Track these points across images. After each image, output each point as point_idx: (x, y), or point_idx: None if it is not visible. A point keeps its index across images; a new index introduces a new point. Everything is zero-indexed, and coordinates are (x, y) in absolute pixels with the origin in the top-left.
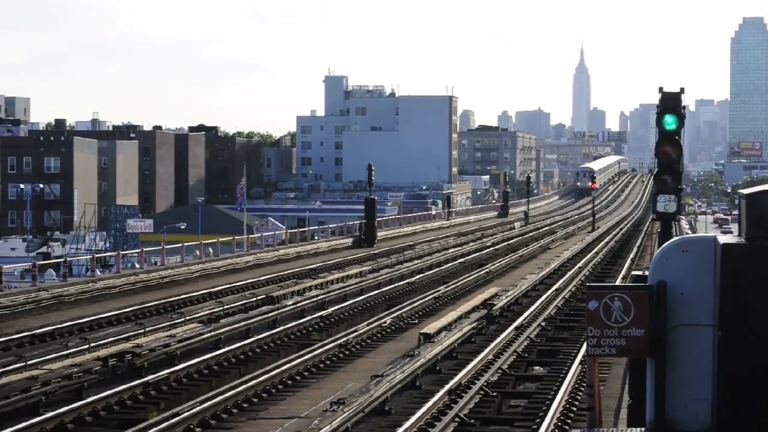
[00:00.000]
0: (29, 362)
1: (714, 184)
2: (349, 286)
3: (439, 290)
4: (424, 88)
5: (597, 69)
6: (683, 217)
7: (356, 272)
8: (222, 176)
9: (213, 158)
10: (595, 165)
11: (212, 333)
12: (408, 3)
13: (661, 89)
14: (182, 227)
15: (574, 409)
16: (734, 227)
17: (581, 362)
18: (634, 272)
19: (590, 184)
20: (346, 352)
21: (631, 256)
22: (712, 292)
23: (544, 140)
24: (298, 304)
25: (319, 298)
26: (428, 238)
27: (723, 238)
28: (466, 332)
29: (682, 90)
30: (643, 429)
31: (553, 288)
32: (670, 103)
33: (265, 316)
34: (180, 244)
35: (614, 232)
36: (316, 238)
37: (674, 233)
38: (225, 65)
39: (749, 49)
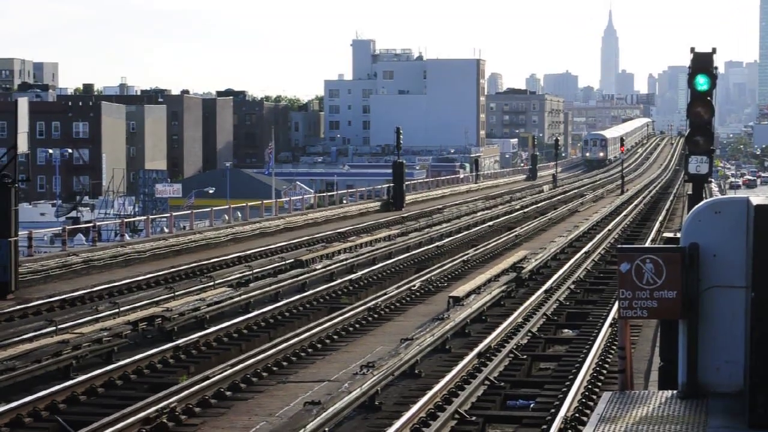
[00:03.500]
0: (60, 326)
1: (743, 146)
2: (378, 249)
3: (468, 253)
4: (451, 51)
5: (625, 31)
6: (713, 180)
7: (385, 236)
8: (250, 140)
9: (241, 123)
10: (619, 129)
11: (242, 297)
12: None
13: (692, 50)
14: (211, 192)
15: (605, 371)
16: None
17: (611, 325)
18: (665, 234)
19: (600, 153)
20: (376, 316)
21: (660, 218)
22: (744, 253)
23: (573, 103)
24: (327, 268)
25: (348, 261)
26: (456, 202)
27: (756, 199)
28: (496, 295)
29: (714, 50)
30: (675, 391)
31: (583, 251)
32: (702, 63)
33: (295, 279)
34: (209, 209)
35: (643, 195)
36: (344, 201)
37: (704, 196)
38: (253, 30)
39: None
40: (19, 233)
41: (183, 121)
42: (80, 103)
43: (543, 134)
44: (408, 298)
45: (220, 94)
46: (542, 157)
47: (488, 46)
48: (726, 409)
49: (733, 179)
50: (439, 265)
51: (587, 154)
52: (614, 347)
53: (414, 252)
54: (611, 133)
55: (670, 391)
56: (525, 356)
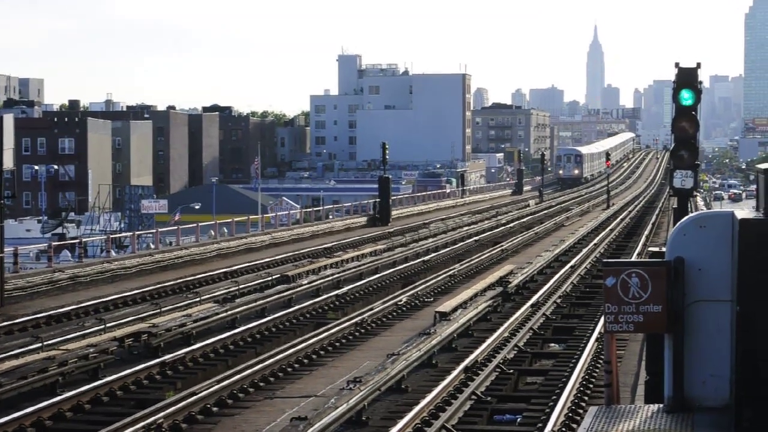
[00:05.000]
0: (46, 343)
1: (729, 160)
2: (364, 264)
3: (455, 268)
4: (437, 66)
5: (611, 46)
6: (698, 193)
7: (371, 251)
8: (236, 156)
9: (227, 138)
10: (598, 146)
11: (228, 312)
12: None
13: (677, 64)
14: (197, 207)
15: (591, 386)
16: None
17: (597, 339)
18: (650, 248)
19: (575, 171)
20: (362, 331)
21: (646, 232)
22: (729, 267)
23: (558, 118)
24: (313, 283)
25: (334, 276)
26: (443, 217)
27: (741, 213)
28: (482, 310)
29: (699, 65)
30: (661, 405)
31: (569, 265)
32: (687, 78)
33: (281, 295)
34: (195, 224)
35: (629, 209)
36: (330, 217)
37: (690, 210)
38: (239, 46)
39: (763, 24)
40: (5, 249)
41: (169, 137)
42: (66, 119)
43: (529, 149)
44: (394, 313)
45: (206, 109)
46: (528, 172)
47: (474, 61)
48: (712, 423)
49: (717, 191)
50: (425, 280)
51: (560, 172)
52: (601, 361)
53: (400, 267)
54: (588, 149)
55: (656, 405)
56: (512, 371)
